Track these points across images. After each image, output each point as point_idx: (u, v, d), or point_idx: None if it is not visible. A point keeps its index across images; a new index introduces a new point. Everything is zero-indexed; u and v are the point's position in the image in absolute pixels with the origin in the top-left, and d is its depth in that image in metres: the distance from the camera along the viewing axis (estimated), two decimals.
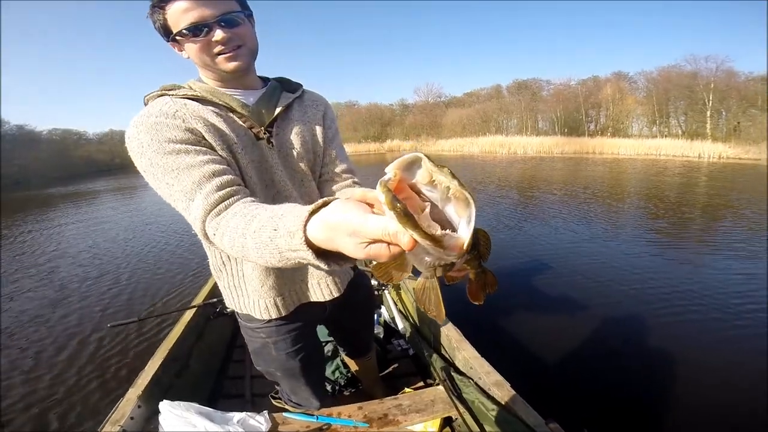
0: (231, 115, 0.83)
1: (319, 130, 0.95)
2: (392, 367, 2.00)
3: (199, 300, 2.18)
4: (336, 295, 1.06)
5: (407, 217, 0.33)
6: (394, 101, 45.37)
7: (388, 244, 0.37)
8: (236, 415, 1.27)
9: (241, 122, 0.84)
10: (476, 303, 0.63)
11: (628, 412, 2.03)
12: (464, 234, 0.35)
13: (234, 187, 0.70)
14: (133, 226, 7.73)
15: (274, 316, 1.00)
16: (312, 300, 1.05)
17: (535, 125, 35.66)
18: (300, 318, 1.06)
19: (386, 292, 2.36)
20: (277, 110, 0.88)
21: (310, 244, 0.45)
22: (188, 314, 1.96)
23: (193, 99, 0.80)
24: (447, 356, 1.70)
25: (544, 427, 1.12)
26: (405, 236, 0.34)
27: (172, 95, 0.80)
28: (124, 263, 5.13)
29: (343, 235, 0.39)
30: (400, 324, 2.18)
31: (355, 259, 0.43)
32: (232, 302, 1.03)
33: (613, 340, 2.71)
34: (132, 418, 1.22)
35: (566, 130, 32.44)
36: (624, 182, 11.29)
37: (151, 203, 11.54)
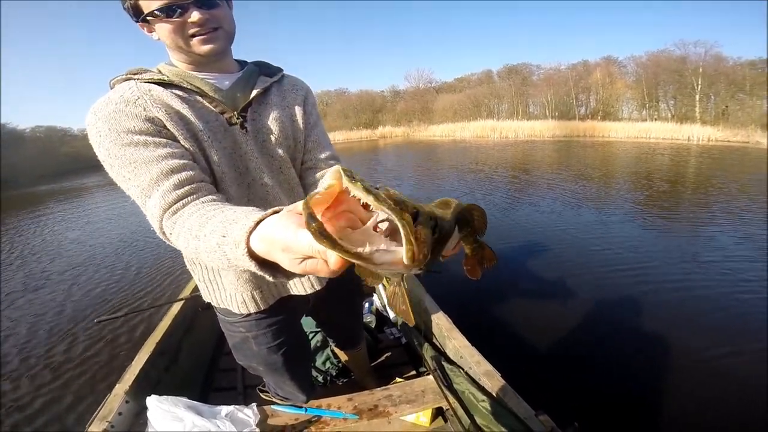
0: (200, 99, 0.78)
1: (299, 115, 0.90)
2: (384, 356, 1.98)
3: (186, 292, 2.14)
4: (318, 288, 1.02)
5: (323, 237, 0.29)
6: (385, 87, 44.97)
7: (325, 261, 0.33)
8: (224, 409, 1.24)
9: (211, 107, 0.79)
10: (473, 278, 0.62)
11: (620, 405, 2.02)
12: (401, 248, 0.30)
13: (193, 185, 0.66)
14: (119, 219, 7.63)
15: (252, 310, 0.96)
16: (293, 293, 1.01)
17: (526, 110, 35.63)
18: (281, 311, 1.02)
19: (380, 286, 2.33)
20: (253, 94, 0.83)
21: (253, 256, 0.42)
22: (176, 306, 1.92)
23: (159, 83, 0.74)
24: (438, 345, 1.68)
25: (535, 420, 1.11)
26: (332, 255, 0.31)
27: (137, 80, 0.74)
28: (112, 257, 5.04)
29: (278, 251, 0.37)
30: (392, 312, 2.16)
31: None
32: (208, 296, 0.98)
33: (606, 329, 2.70)
34: (120, 414, 1.20)
35: (557, 114, 32.48)
36: (614, 164, 11.36)
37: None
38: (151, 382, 1.43)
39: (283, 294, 1.00)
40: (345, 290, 1.22)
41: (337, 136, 32.93)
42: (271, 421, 1.29)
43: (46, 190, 16.41)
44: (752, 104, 23.90)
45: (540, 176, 9.27)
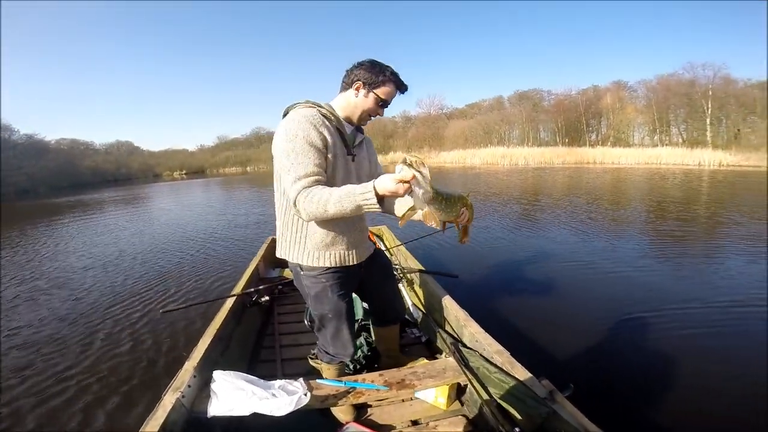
0: (341, 136, 1.34)
1: (372, 155, 1.57)
2: (406, 350, 2.22)
3: (237, 290, 2.42)
4: (362, 260, 1.50)
5: (410, 165, 0.96)
6: (396, 113, 46.08)
7: (403, 182, 0.98)
8: (277, 382, 1.48)
9: (342, 143, 1.34)
10: (464, 243, 1.25)
11: (612, 374, 2.30)
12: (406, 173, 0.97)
13: (321, 182, 1.20)
14: (160, 231, 8.20)
15: (331, 265, 1.39)
16: (349, 264, 1.45)
17: (537, 136, 35.94)
18: (347, 271, 1.46)
19: (401, 285, 2.61)
20: (357, 141, 1.43)
21: (375, 191, 1.04)
22: (229, 302, 2.18)
23: (325, 116, 1.28)
24: (455, 334, 1.92)
25: (538, 384, 1.33)
26: (409, 173, 0.96)
27: (318, 109, 1.28)
28: (163, 260, 5.56)
29: (387, 180, 1.01)
30: (414, 313, 2.42)
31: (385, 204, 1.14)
32: (296, 256, 1.38)
33: (597, 319, 2.99)
34: (189, 386, 1.43)
35: (567, 140, 32.72)
36: (623, 190, 11.60)
37: (159, 210, 11.95)
38: (211, 363, 1.66)
39: (344, 263, 1.43)
40: (381, 265, 1.69)
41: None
42: (315, 392, 1.52)
43: (71, 201, 17.08)
44: (764, 127, 23.77)
45: (550, 203, 9.55)
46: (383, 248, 3.02)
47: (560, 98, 35.94)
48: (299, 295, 2.92)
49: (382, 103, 1.33)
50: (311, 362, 1.88)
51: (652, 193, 10.86)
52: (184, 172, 45.68)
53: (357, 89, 1.31)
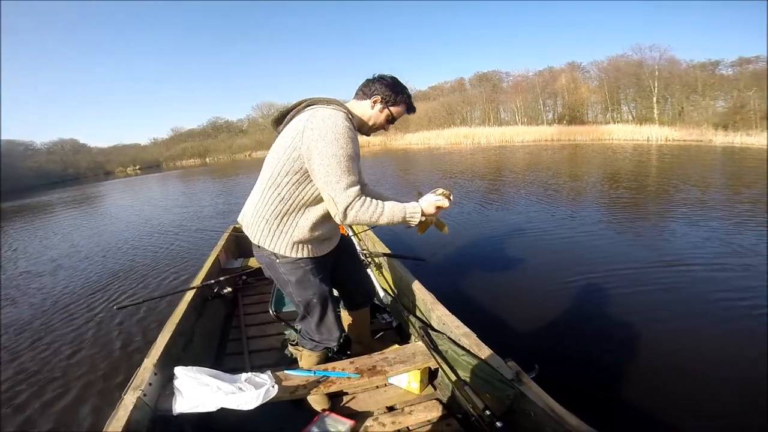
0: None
1: None
2: (378, 336, 2.22)
3: (197, 282, 2.32)
4: (333, 248, 1.55)
5: (449, 199, 1.34)
6: None
7: (439, 208, 1.33)
8: (243, 375, 1.45)
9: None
10: (443, 231, 1.46)
11: (574, 355, 2.38)
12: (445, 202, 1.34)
13: (361, 188, 1.29)
14: (113, 227, 7.94)
15: (307, 256, 1.40)
16: (325, 254, 1.49)
17: (497, 116, 36.78)
18: (324, 258, 1.48)
19: (369, 270, 2.59)
20: None
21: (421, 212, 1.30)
22: (189, 294, 2.10)
23: (352, 123, 1.31)
24: (423, 318, 1.94)
25: (505, 366, 1.35)
26: (447, 202, 1.33)
27: (346, 115, 1.28)
28: (118, 256, 5.45)
29: (431, 205, 1.32)
30: (384, 298, 2.41)
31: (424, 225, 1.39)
32: (275, 246, 1.35)
33: (561, 295, 3.11)
34: (150, 384, 1.36)
35: (526, 120, 33.72)
36: (579, 165, 12.17)
37: (116, 208, 11.33)
38: (173, 359, 1.60)
39: (321, 252, 1.45)
40: (348, 249, 1.74)
41: None
42: (285, 384, 1.50)
43: (28, 203, 15.88)
44: (705, 105, 25.57)
45: (512, 179, 9.90)
46: (350, 233, 2.98)
47: (518, 79, 36.89)
48: (264, 285, 2.88)
49: (392, 120, 1.41)
50: (291, 349, 1.86)
51: (606, 166, 11.55)
52: (137, 167, 42.97)
53: (374, 102, 1.36)
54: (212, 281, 2.28)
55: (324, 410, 1.53)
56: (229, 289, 2.41)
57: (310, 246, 1.39)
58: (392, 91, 1.35)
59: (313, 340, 1.58)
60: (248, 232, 1.40)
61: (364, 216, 1.23)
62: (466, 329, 1.64)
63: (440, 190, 1.36)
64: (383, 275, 2.61)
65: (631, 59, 29.98)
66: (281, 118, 1.40)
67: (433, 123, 35.39)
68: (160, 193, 15.14)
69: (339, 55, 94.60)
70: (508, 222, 5.58)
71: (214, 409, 1.30)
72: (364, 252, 2.61)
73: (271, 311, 2.17)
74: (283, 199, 1.29)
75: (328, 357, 1.97)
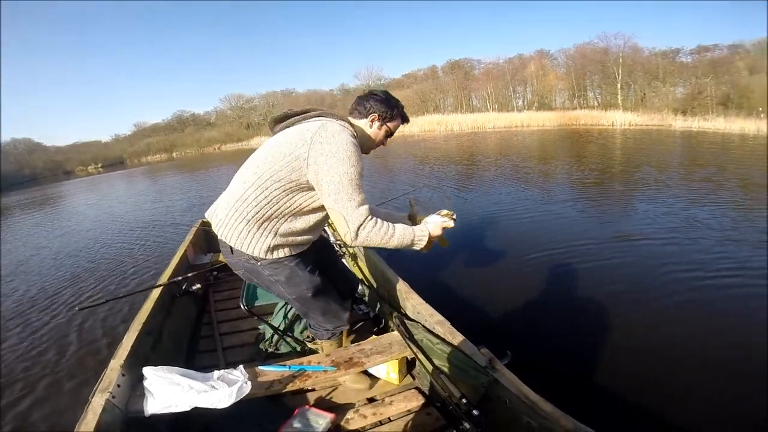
0: None
1: None
2: (357, 326, 2.22)
3: (163, 280, 2.24)
4: (314, 240, 1.50)
5: (453, 219, 1.42)
6: (334, 86, 44.69)
7: (444, 228, 1.41)
8: (215, 373, 1.40)
9: None
10: (445, 246, 1.49)
11: (542, 337, 2.48)
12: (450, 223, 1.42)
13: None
14: (71, 227, 7.68)
15: (292, 254, 1.36)
16: (307, 246, 1.45)
17: (470, 103, 37.14)
18: (305, 253, 1.44)
19: (343, 260, 2.57)
20: None
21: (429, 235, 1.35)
22: (155, 292, 2.02)
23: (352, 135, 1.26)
24: (399, 306, 1.94)
25: (478, 353, 1.37)
26: (452, 223, 1.42)
27: (351, 132, 1.26)
28: (81, 255, 5.29)
29: (437, 228, 1.39)
30: (360, 288, 2.39)
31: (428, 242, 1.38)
32: (255, 250, 1.28)
33: (532, 283, 3.19)
34: (119, 386, 1.31)
35: (497, 106, 34.19)
36: (548, 149, 12.60)
37: (82, 207, 10.78)
38: (141, 359, 1.53)
39: (304, 246, 1.42)
40: (324, 242, 1.74)
41: None
42: (260, 380, 1.47)
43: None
44: (666, 91, 26.70)
45: (484, 164, 10.10)
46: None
47: (489, 67, 37.30)
48: (236, 280, 2.82)
49: (390, 135, 1.43)
50: (310, 345, 1.85)
51: (573, 149, 12.02)
52: (100, 165, 40.71)
53: (372, 121, 1.37)
54: (179, 278, 2.19)
55: (303, 405, 1.52)
56: (198, 286, 2.29)
57: (293, 247, 1.35)
58: (387, 107, 1.36)
59: (328, 330, 1.58)
60: (220, 231, 1.31)
61: (376, 237, 1.24)
62: (440, 317, 1.65)
63: (444, 211, 1.44)
64: (358, 265, 2.60)
65: (597, 47, 30.87)
66: (282, 119, 1.35)
67: (407, 111, 33.78)
68: (127, 190, 14.54)
69: (310, 45, 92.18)
70: (480, 206, 5.75)
71: (188, 409, 1.26)
72: (338, 242, 2.59)
73: (242, 306, 2.06)
74: (270, 203, 1.23)
75: (303, 351, 1.93)
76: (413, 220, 1.52)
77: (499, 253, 3.87)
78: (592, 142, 14.01)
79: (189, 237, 3.23)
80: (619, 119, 21.57)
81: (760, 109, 17.84)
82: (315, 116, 1.31)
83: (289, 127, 1.32)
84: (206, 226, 3.44)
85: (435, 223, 1.40)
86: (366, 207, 1.22)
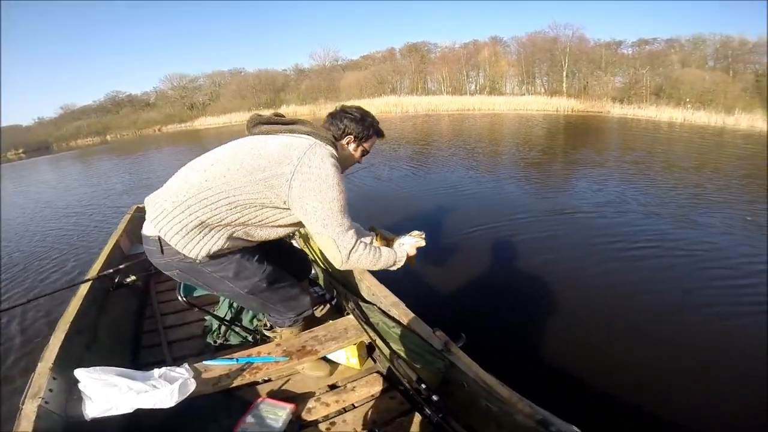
0: None
1: None
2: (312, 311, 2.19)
3: (93, 273, 2.07)
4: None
5: (424, 239, 1.47)
6: (288, 66, 42.80)
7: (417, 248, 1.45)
8: (156, 371, 1.31)
9: None
10: (412, 264, 1.50)
11: (493, 317, 2.58)
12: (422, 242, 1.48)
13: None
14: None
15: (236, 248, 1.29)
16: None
17: (425, 86, 37.27)
18: (249, 245, 1.33)
19: (293, 242, 2.48)
20: None
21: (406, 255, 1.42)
22: (83, 288, 1.87)
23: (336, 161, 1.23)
24: (354, 289, 1.92)
25: (433, 336, 1.37)
26: (423, 242, 1.46)
27: (333, 158, 1.22)
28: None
29: (412, 248, 1.46)
30: (314, 270, 2.34)
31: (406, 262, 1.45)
32: (197, 252, 1.18)
33: (481, 257, 3.37)
34: (51, 390, 1.20)
35: (451, 90, 34.62)
36: (498, 132, 13.18)
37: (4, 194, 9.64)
38: (73, 360, 1.40)
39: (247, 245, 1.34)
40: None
41: (233, 118, 31.68)
42: (205, 376, 1.38)
43: None
44: (606, 80, 28.41)
45: (438, 145, 10.35)
46: None
47: (445, 51, 37.53)
48: None
49: (365, 153, 1.43)
50: (267, 333, 1.74)
51: (521, 133, 12.72)
52: (21, 150, 36.44)
53: (348, 142, 1.35)
54: (111, 270, 2.01)
55: (259, 398, 1.47)
56: (134, 278, 2.09)
57: (238, 247, 1.29)
58: (362, 127, 1.35)
59: (290, 317, 1.52)
60: (158, 223, 1.17)
61: (366, 260, 1.27)
62: (395, 298, 1.64)
63: (415, 232, 1.49)
64: (310, 245, 2.48)
65: (547, 36, 31.91)
66: (262, 123, 1.28)
67: (364, 92, 34.79)
68: (56, 175, 13.26)
69: (261, 24, 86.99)
70: (434, 185, 5.95)
71: (130, 411, 1.18)
72: None
73: (180, 298, 1.80)
74: (233, 209, 1.15)
75: (256, 341, 1.81)
76: (387, 242, 1.53)
77: (449, 229, 4.03)
78: (537, 126, 14.76)
79: (122, 225, 2.99)
80: (563, 105, 22.71)
81: (687, 99, 19.75)
82: (305, 133, 1.25)
83: (271, 134, 1.24)
84: (142, 212, 3.18)
85: (410, 244, 1.46)
86: (353, 231, 1.24)
